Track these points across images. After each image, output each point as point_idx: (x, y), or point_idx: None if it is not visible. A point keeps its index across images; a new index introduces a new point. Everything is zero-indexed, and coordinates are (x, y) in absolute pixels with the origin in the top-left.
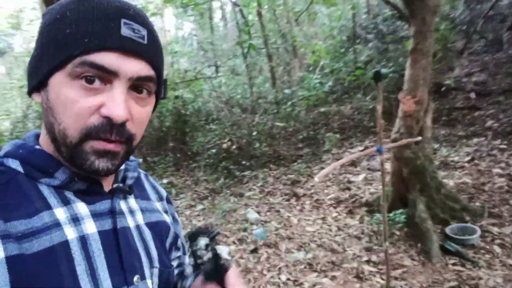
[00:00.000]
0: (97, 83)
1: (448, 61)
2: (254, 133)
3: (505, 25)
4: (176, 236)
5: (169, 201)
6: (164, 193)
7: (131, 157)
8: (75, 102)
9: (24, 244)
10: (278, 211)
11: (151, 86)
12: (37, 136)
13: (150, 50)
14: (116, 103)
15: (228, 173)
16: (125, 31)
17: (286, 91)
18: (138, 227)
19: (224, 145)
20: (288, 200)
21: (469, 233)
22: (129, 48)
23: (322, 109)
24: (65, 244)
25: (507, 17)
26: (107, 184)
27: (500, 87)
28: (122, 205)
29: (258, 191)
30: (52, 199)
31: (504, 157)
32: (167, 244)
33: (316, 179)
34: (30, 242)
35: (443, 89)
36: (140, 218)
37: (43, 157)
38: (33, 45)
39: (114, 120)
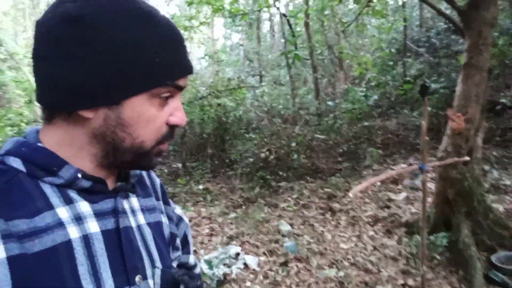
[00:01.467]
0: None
1: (505, 78)
2: (293, 144)
3: None
4: (174, 236)
5: (166, 202)
6: (159, 193)
7: None
8: (157, 117)
9: (26, 244)
10: (312, 225)
11: None
12: (38, 133)
13: None
14: (182, 112)
15: (264, 182)
16: (187, 55)
17: (329, 103)
18: (139, 227)
19: (262, 155)
20: (323, 214)
21: None
22: (191, 70)
23: (366, 123)
24: (68, 243)
25: None
26: (111, 182)
27: None
28: (125, 204)
29: (293, 203)
30: (54, 198)
31: None
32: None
33: (350, 194)
34: (32, 241)
35: (498, 107)
36: (141, 218)
37: (46, 155)
38: None
39: (181, 126)
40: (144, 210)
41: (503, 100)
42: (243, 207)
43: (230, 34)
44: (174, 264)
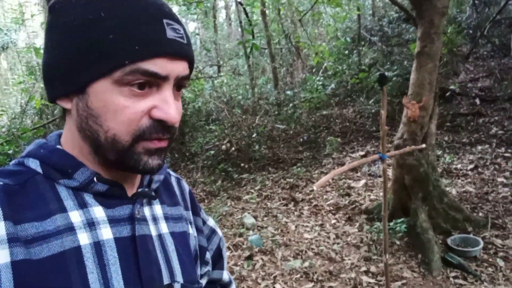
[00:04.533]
0: (146, 88)
1: (453, 66)
2: (254, 135)
3: None
4: (203, 250)
5: (195, 213)
6: (189, 202)
7: None
8: (126, 108)
9: (33, 249)
10: (275, 216)
11: (186, 82)
12: (60, 136)
13: (189, 49)
14: (169, 105)
15: (226, 175)
16: (170, 33)
17: (288, 92)
18: (160, 236)
19: (223, 147)
20: (286, 205)
21: (471, 245)
22: (176, 52)
23: (324, 112)
24: (77, 249)
25: None
26: (131, 188)
27: (506, 94)
28: (146, 211)
29: (255, 195)
30: (68, 201)
31: (508, 166)
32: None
33: (314, 187)
34: (40, 246)
35: (447, 94)
36: (164, 227)
37: (62, 157)
38: (36, 40)
39: (169, 122)
40: (169, 218)
41: (452, 87)
42: (206, 201)
43: (186, 23)
44: (204, 280)
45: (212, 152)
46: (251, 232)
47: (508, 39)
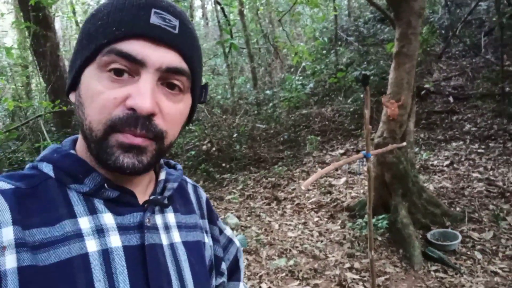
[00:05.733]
0: (125, 76)
1: (427, 65)
2: (235, 135)
3: (483, 30)
4: (218, 260)
5: (212, 221)
6: (205, 210)
7: (178, 166)
8: (101, 94)
9: (40, 255)
10: (258, 215)
11: (184, 80)
12: (75, 141)
13: (181, 40)
14: (141, 93)
15: (207, 176)
16: (154, 19)
17: (267, 92)
18: (172, 245)
19: (204, 147)
20: (269, 204)
21: (450, 239)
22: (157, 36)
23: (304, 111)
24: (85, 257)
25: (485, 22)
26: (143, 195)
27: (478, 92)
28: (158, 219)
29: (238, 194)
30: (78, 206)
31: (482, 161)
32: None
33: (302, 187)
34: (47, 252)
35: (422, 92)
36: (176, 236)
37: (74, 161)
38: (6, 39)
39: (138, 112)
40: (182, 227)
41: (427, 86)
42: None
43: None
44: None
45: (192, 152)
46: (234, 232)
47: (478, 39)
